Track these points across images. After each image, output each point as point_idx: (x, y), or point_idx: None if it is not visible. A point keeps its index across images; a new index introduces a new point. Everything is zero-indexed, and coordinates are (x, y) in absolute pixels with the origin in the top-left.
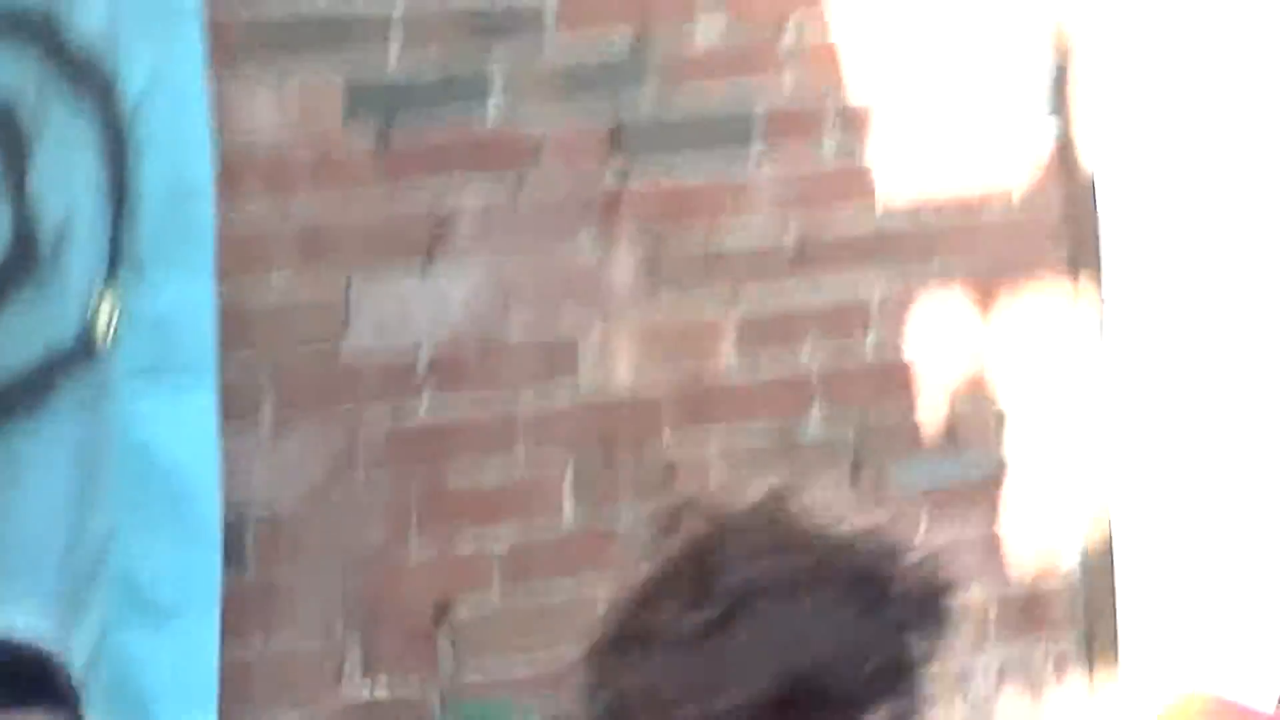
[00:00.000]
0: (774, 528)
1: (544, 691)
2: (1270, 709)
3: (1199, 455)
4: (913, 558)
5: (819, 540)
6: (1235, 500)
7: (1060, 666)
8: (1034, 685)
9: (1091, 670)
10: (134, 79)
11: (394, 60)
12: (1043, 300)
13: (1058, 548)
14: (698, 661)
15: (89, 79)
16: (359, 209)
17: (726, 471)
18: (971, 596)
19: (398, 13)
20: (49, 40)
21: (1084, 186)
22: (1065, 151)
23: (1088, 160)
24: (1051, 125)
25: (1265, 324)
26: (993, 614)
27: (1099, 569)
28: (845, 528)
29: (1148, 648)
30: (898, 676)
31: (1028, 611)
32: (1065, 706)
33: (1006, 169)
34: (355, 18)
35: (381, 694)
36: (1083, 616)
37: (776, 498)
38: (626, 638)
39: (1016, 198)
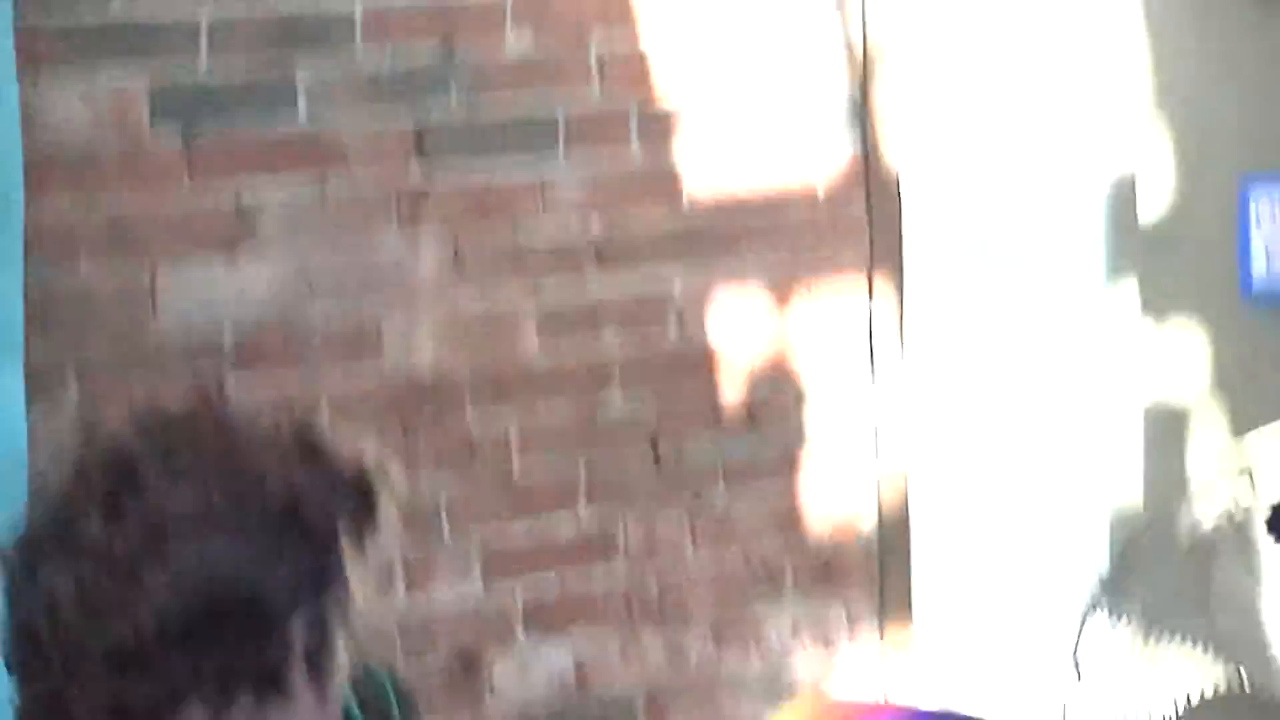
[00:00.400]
0: (196, 446)
1: None
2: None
3: (988, 432)
4: (331, 461)
5: (237, 458)
6: (1021, 473)
7: (854, 623)
8: (828, 640)
9: (883, 627)
10: None
11: (202, 65)
12: (843, 293)
13: (855, 514)
14: (121, 574)
15: None
16: (165, 204)
17: (527, 449)
18: (770, 557)
19: (206, 20)
20: None
21: (888, 186)
22: (870, 154)
23: (892, 162)
24: (856, 129)
25: (1048, 313)
26: (790, 574)
27: (894, 534)
28: (268, 435)
29: (938, 607)
30: (316, 585)
31: (825, 572)
32: (857, 661)
33: (812, 170)
34: (164, 25)
35: None
36: (877, 577)
37: (204, 404)
38: (52, 538)
39: (822, 197)
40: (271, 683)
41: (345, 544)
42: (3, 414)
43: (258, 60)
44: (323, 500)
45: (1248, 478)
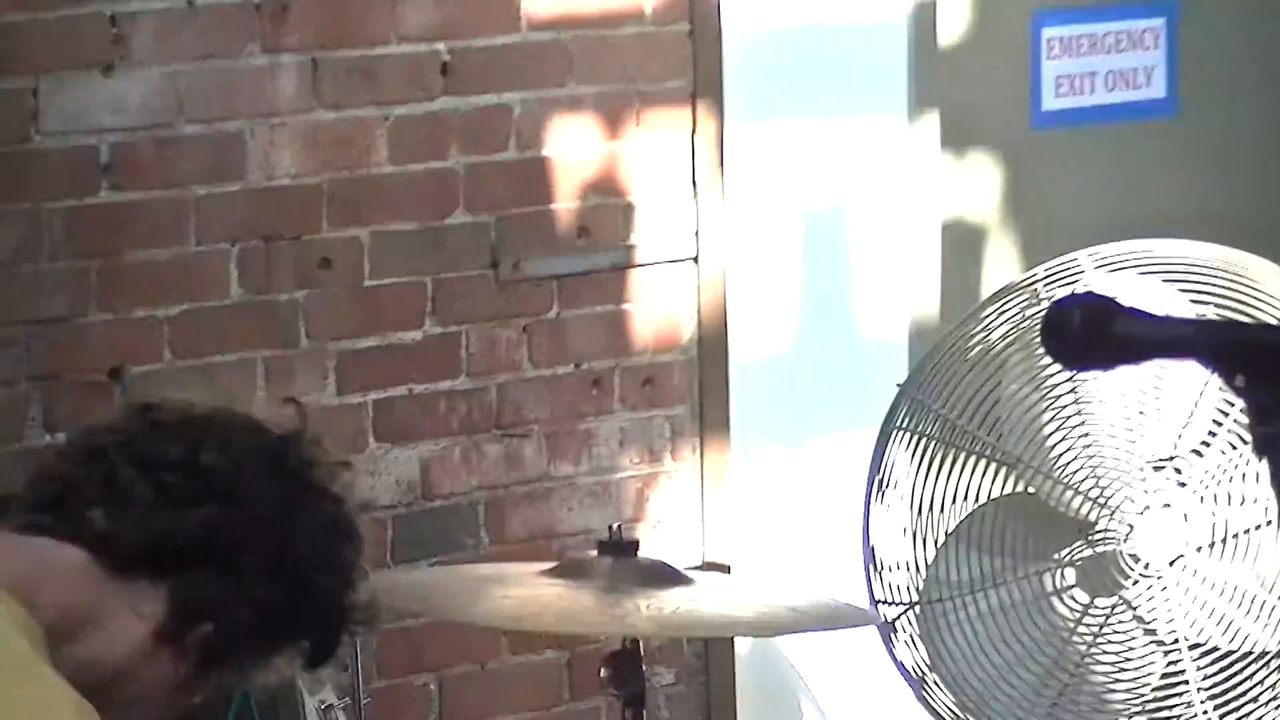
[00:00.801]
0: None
1: None
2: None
3: (800, 250)
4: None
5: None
6: (830, 289)
7: (676, 437)
8: (653, 452)
9: (703, 440)
10: None
11: None
12: (669, 114)
13: (677, 329)
14: None
15: None
16: (41, 22)
17: (377, 258)
18: (599, 371)
19: None
20: None
21: (710, 17)
22: None
23: None
24: None
25: (856, 138)
26: (617, 385)
27: (713, 350)
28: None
29: (753, 417)
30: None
31: (649, 386)
32: (678, 470)
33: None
34: None
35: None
36: (697, 392)
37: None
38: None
39: (650, 21)
40: None
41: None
42: None
43: None
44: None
45: (1034, 290)
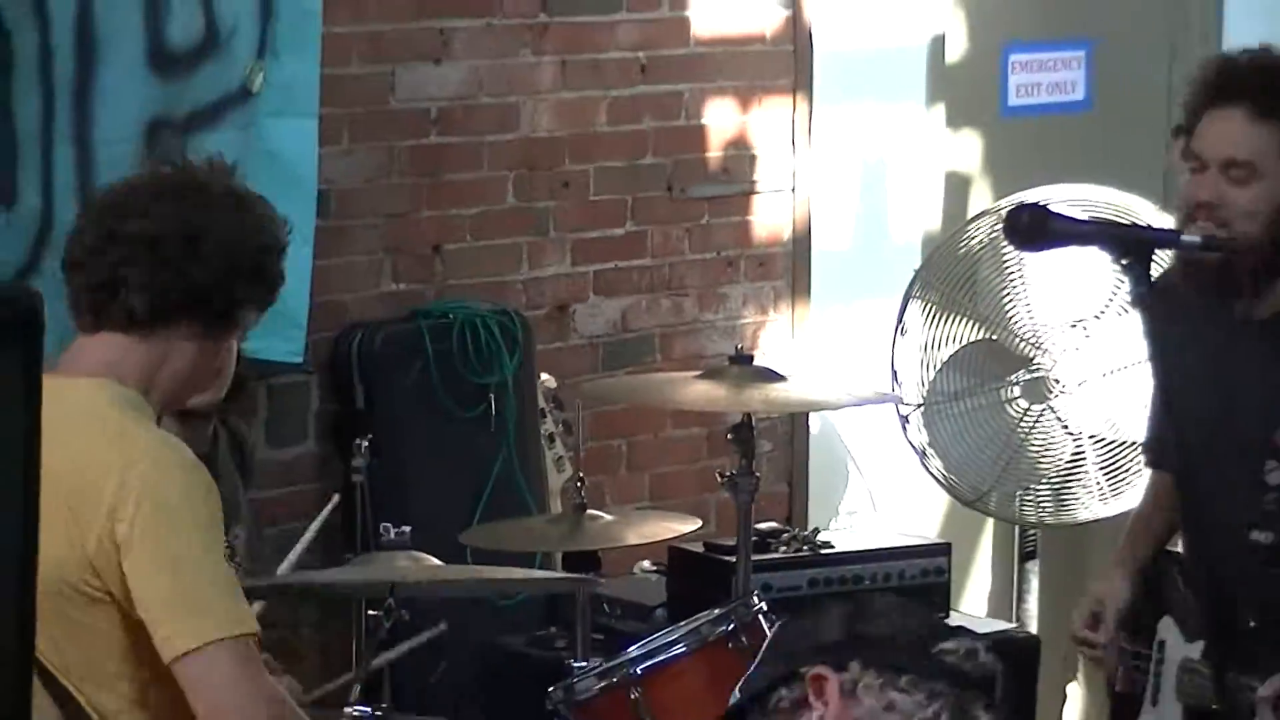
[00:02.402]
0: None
1: None
2: None
3: (861, 186)
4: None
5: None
6: (880, 217)
7: (778, 297)
8: (762, 307)
9: (794, 301)
10: None
11: None
12: (780, 97)
13: (781, 230)
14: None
15: None
16: (398, 29)
17: (598, 183)
18: (733, 255)
19: None
20: None
21: (805, 34)
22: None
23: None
24: None
25: (889, 125)
26: (743, 265)
27: (801, 245)
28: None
29: (825, 291)
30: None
31: (762, 265)
32: (779, 319)
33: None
34: None
35: None
36: (792, 271)
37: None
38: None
39: (768, 38)
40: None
41: None
42: (304, 147)
43: None
44: None
45: (999, 212)
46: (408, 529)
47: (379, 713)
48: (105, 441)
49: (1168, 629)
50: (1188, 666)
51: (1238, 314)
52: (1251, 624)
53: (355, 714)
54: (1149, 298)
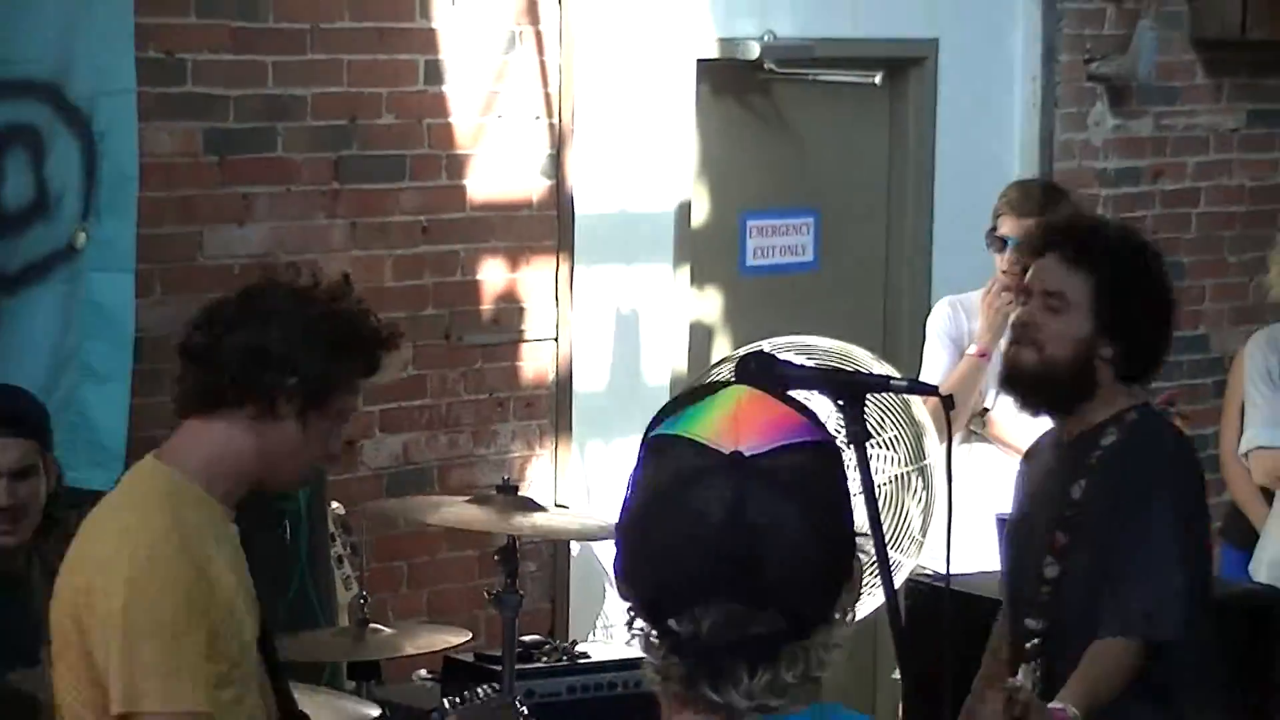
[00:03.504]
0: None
1: None
2: None
3: (615, 338)
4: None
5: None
6: (634, 354)
7: (544, 435)
8: (530, 446)
9: (556, 439)
10: (99, 123)
11: None
12: (546, 258)
13: (545, 374)
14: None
15: (78, 120)
16: None
17: None
18: (502, 396)
19: None
20: (56, 97)
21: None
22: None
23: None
24: None
25: (645, 285)
26: (512, 406)
27: (564, 387)
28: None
29: (588, 430)
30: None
31: (529, 406)
32: (541, 464)
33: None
34: None
35: None
36: (555, 412)
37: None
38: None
39: (535, 204)
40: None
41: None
42: (121, 298)
43: None
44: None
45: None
46: None
47: None
48: None
49: None
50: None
51: (1060, 436)
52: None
53: None
54: (863, 435)
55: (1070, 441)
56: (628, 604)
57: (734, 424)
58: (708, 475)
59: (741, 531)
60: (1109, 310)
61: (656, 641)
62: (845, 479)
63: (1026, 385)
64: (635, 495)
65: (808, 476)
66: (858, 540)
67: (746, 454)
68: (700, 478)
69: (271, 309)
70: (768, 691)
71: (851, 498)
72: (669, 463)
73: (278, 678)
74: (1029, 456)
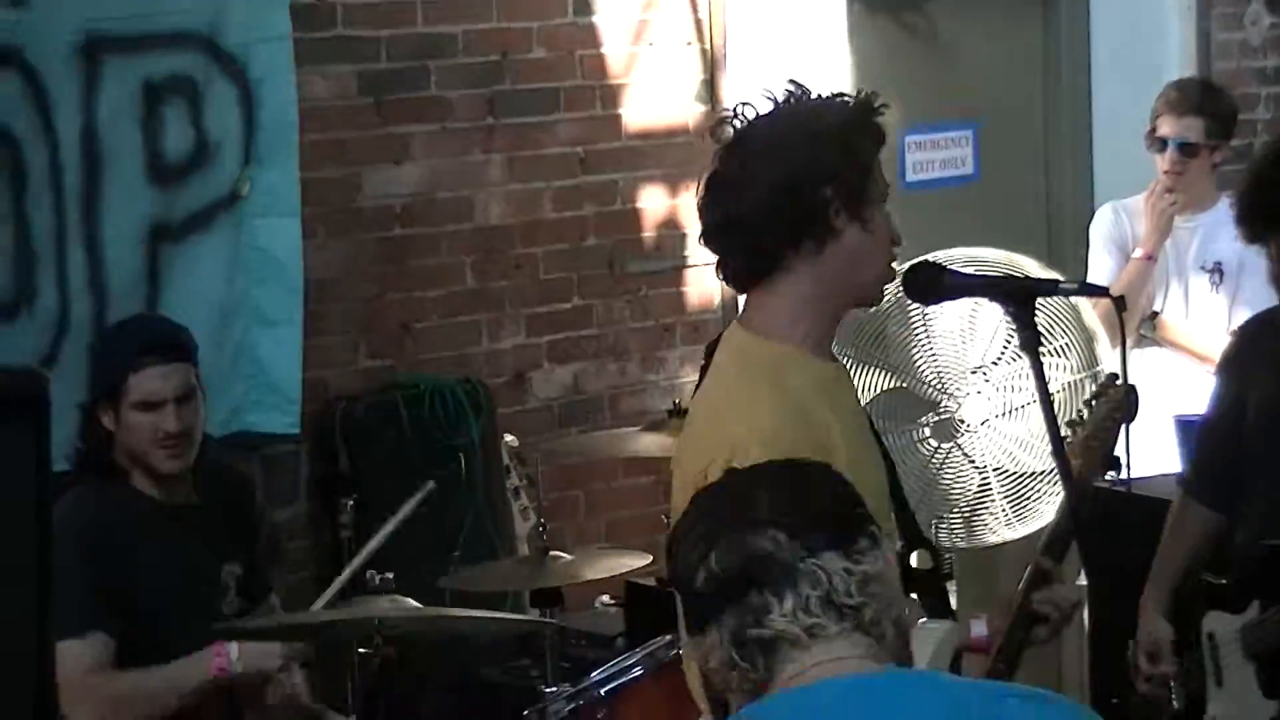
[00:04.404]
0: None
1: None
2: None
3: None
4: None
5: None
6: None
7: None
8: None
9: None
10: (254, 70)
11: None
12: None
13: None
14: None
15: (233, 69)
16: None
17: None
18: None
19: None
20: (211, 47)
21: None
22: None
23: None
24: None
25: None
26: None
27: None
28: None
29: None
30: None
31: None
32: None
33: None
34: None
35: None
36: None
37: None
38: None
39: (692, 128)
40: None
41: None
42: (289, 243)
43: None
44: None
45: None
46: (390, 575)
47: None
48: None
49: (1213, 620)
50: (1249, 628)
51: None
52: None
53: None
54: (1034, 341)
55: None
56: None
57: None
58: None
59: None
60: None
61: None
62: None
63: None
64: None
65: None
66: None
67: None
68: None
69: (761, 144)
70: (801, 611)
71: None
72: None
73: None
74: (1254, 341)
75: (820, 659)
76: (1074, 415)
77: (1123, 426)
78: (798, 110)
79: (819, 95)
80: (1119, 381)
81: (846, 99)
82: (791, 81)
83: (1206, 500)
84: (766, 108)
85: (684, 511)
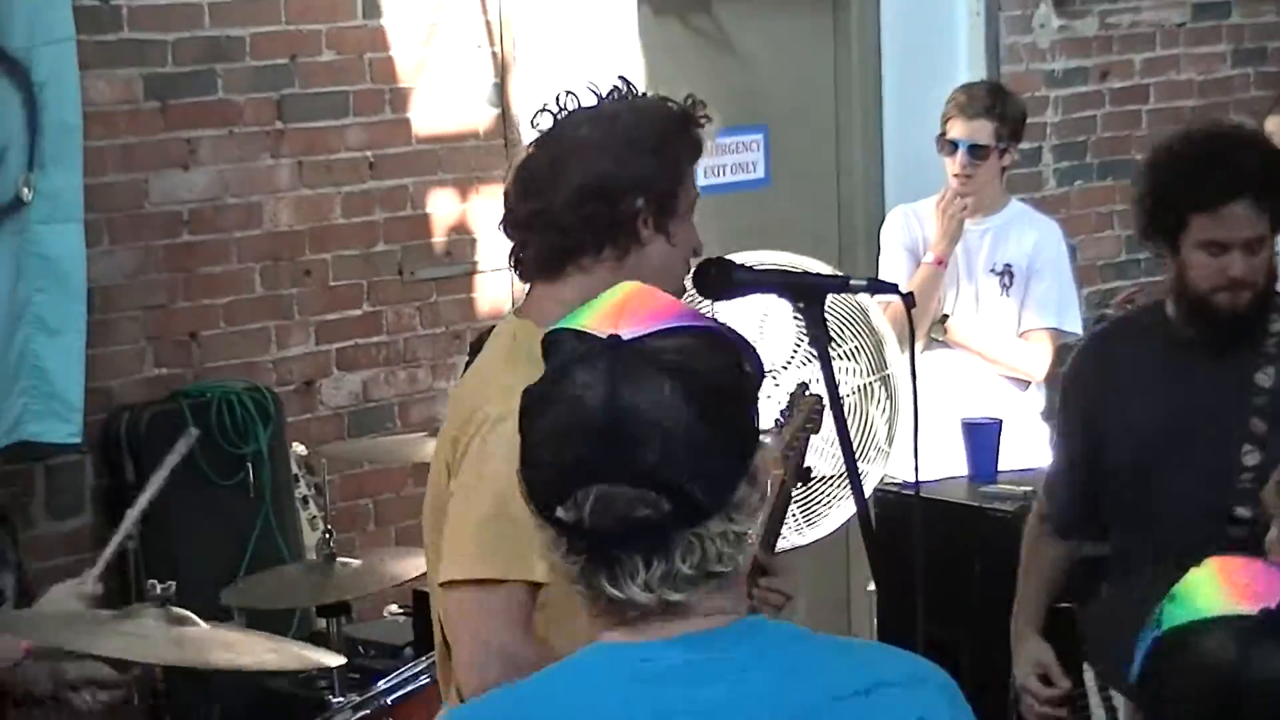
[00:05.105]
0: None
1: None
2: None
3: None
4: None
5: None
6: None
7: None
8: None
9: None
10: (38, 74)
11: None
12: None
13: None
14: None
15: (17, 72)
16: None
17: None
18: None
19: None
20: None
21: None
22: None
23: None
24: None
25: None
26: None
27: None
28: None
29: None
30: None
31: None
32: None
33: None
34: None
35: None
36: None
37: None
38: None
39: (481, 134)
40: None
41: None
42: (71, 249)
43: None
44: None
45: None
46: (172, 584)
47: None
48: None
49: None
50: None
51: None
52: None
53: None
54: (824, 339)
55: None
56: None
57: (616, 313)
58: (586, 359)
59: (617, 411)
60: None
61: (555, 538)
62: (745, 373)
63: (1240, 325)
64: (527, 391)
65: (692, 358)
66: (766, 441)
67: (625, 337)
68: (579, 362)
69: (577, 143)
70: (665, 583)
71: (755, 395)
72: (555, 356)
73: None
74: (1107, 358)
75: (663, 624)
76: (770, 424)
77: (812, 438)
78: (619, 112)
79: (643, 96)
80: (809, 393)
81: (671, 105)
82: (620, 78)
83: (1073, 535)
84: (590, 101)
85: (552, 423)
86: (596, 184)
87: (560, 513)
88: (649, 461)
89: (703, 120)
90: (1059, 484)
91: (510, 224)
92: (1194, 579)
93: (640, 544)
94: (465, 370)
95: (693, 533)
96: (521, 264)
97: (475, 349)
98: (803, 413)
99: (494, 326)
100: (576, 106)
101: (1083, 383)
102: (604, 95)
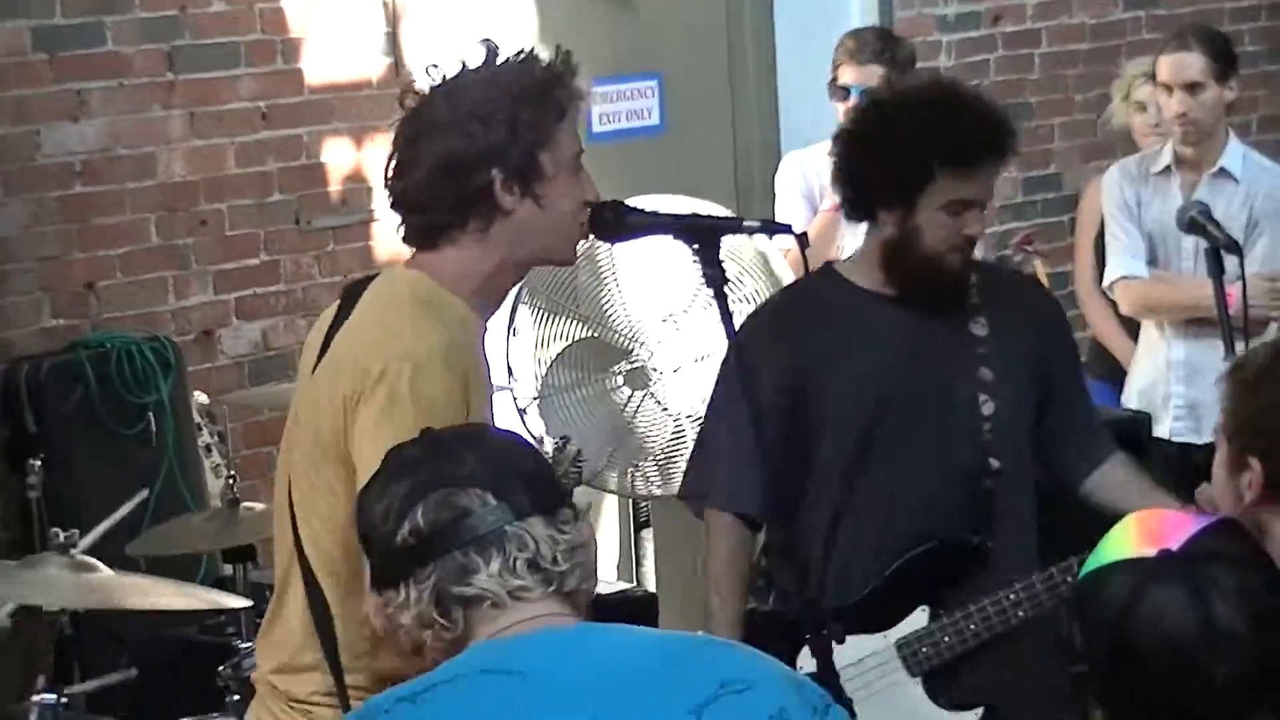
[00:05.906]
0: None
1: None
2: None
3: None
4: None
5: None
6: None
7: None
8: None
9: None
10: None
11: None
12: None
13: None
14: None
15: None
16: None
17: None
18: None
19: None
20: None
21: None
22: None
23: None
24: None
25: None
26: None
27: None
28: None
29: None
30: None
31: None
32: None
33: None
34: None
35: None
36: None
37: None
38: None
39: (375, 83)
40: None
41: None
42: None
43: None
44: None
45: None
46: (75, 532)
47: (64, 701)
48: None
49: (854, 647)
50: (917, 639)
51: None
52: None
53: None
54: (720, 279)
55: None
56: None
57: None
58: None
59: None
60: None
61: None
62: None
63: (962, 282)
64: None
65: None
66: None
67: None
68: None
69: (431, 121)
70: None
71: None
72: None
73: None
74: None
75: (519, 618)
76: None
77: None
78: (473, 84)
79: (504, 61)
80: (570, 444)
81: (531, 66)
82: (484, 41)
83: (762, 513)
84: (454, 70)
85: (379, 468)
86: (444, 162)
87: (400, 540)
88: None
89: (565, 78)
90: (744, 464)
91: (389, 201)
92: (1113, 530)
93: (475, 540)
94: (337, 319)
95: (521, 527)
96: (405, 237)
97: (348, 294)
98: (562, 465)
99: (368, 277)
100: (441, 79)
101: (776, 349)
102: (465, 65)
